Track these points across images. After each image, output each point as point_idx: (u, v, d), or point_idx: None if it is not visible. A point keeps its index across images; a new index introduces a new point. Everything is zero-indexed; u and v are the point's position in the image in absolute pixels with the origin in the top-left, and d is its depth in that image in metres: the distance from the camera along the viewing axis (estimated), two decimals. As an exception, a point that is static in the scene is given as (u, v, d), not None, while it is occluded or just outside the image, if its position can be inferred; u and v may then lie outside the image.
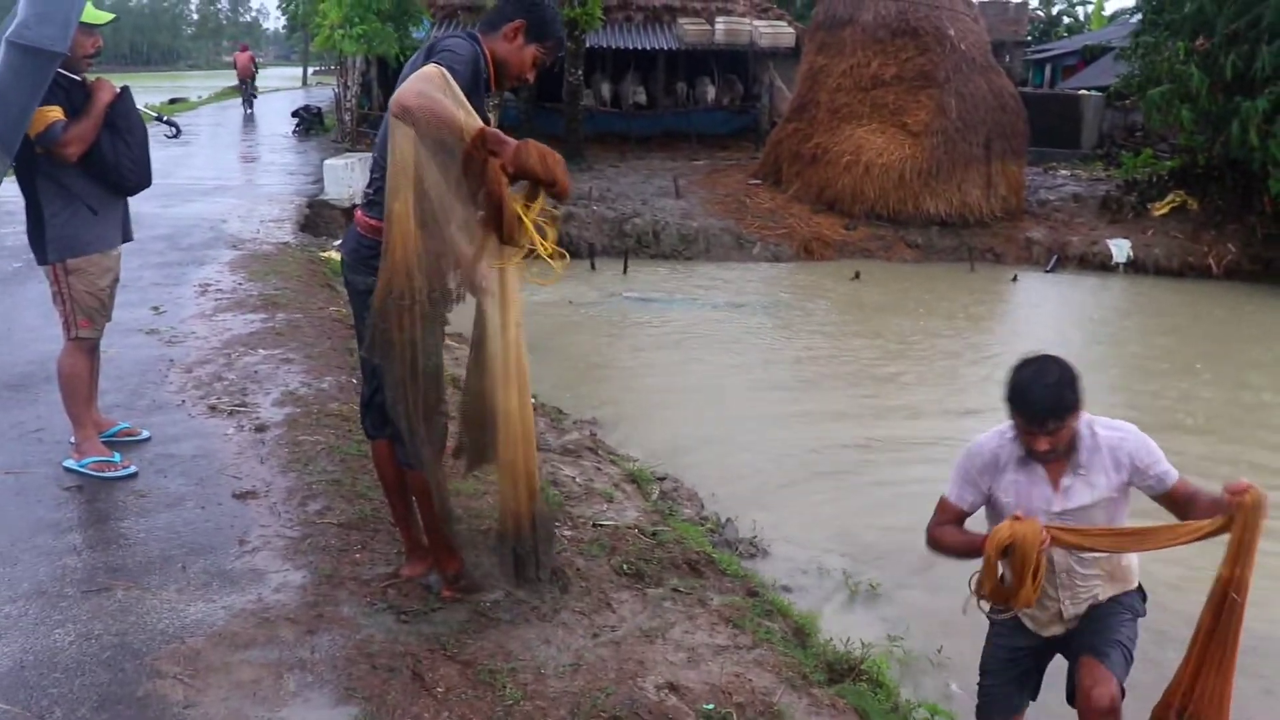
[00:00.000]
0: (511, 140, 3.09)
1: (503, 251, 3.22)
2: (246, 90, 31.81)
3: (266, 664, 3.29)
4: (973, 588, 3.28)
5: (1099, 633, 3.36)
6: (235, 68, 34.01)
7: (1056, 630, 3.47)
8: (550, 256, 3.23)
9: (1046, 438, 3.14)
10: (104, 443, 4.90)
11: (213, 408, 5.71)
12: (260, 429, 5.38)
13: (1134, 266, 15.97)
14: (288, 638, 3.45)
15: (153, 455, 5.00)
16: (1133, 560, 3.46)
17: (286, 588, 3.77)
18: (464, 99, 3.11)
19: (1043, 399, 3.10)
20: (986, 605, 3.36)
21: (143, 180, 4.76)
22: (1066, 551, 3.29)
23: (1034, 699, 3.67)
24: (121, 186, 4.68)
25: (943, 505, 3.42)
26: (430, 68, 3.13)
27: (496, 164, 3.06)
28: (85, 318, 4.67)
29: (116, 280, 4.83)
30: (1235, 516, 2.98)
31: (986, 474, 3.35)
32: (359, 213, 3.56)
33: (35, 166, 4.48)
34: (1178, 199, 16.99)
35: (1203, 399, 9.68)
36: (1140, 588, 3.51)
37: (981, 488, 3.36)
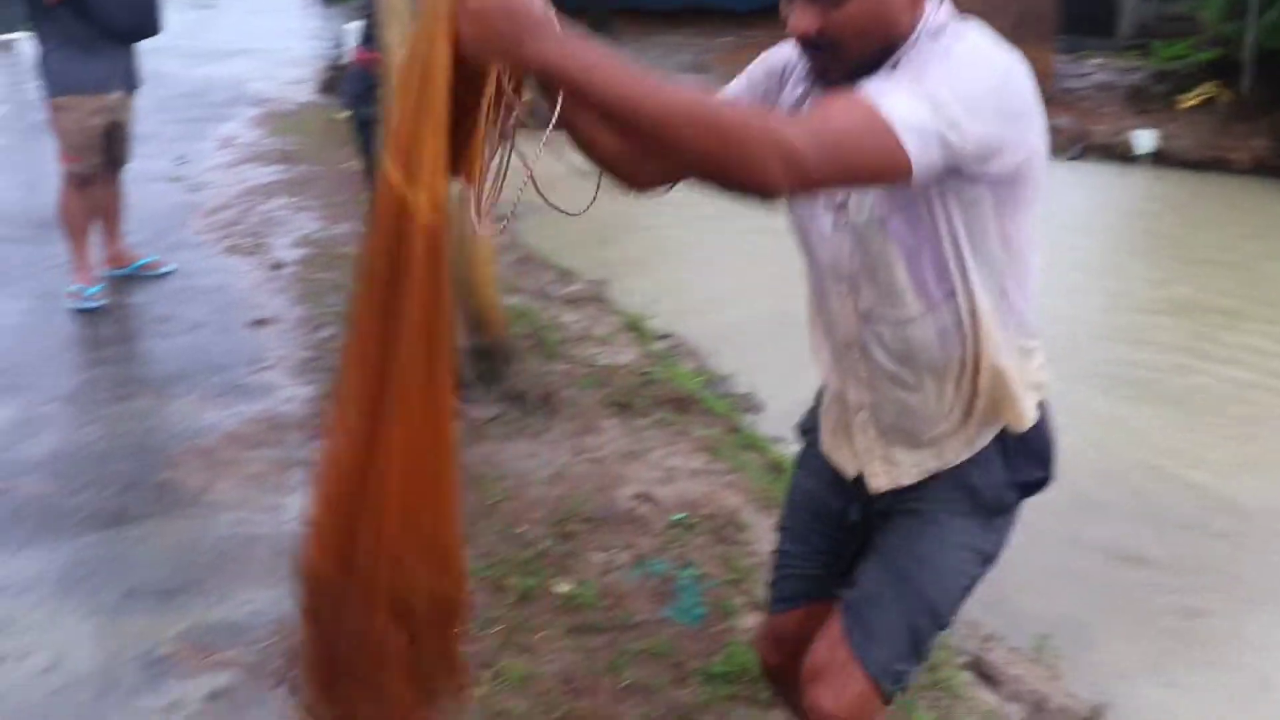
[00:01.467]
0: None
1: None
2: None
3: (274, 461, 3.61)
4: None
5: (880, 576, 1.77)
6: None
7: (852, 472, 1.87)
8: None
9: (811, 7, 1.55)
10: (128, 275, 5.27)
11: (232, 248, 5.98)
12: (276, 266, 5.65)
13: (1159, 158, 15.86)
14: (293, 441, 3.75)
15: (176, 287, 5.31)
16: (1003, 373, 1.68)
17: (295, 400, 4.08)
18: None
19: None
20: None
21: (138, 26, 4.81)
22: (856, 314, 1.73)
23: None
24: (111, 29, 4.73)
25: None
26: None
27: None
28: (74, 153, 4.86)
29: (118, 125, 4.97)
30: None
31: (773, 79, 1.82)
32: (359, 50, 3.75)
33: (38, 7, 4.63)
34: (1210, 91, 16.76)
35: (1224, 287, 9.72)
36: (1018, 456, 1.76)
37: (759, 89, 1.83)
